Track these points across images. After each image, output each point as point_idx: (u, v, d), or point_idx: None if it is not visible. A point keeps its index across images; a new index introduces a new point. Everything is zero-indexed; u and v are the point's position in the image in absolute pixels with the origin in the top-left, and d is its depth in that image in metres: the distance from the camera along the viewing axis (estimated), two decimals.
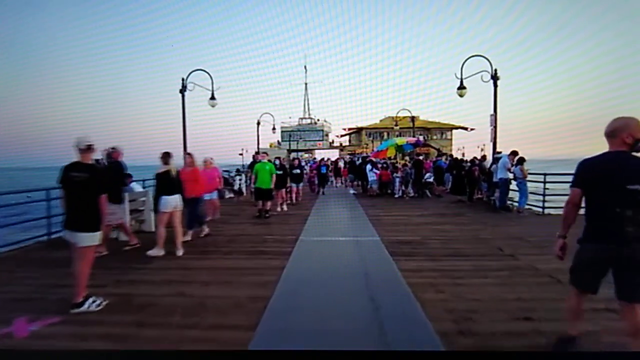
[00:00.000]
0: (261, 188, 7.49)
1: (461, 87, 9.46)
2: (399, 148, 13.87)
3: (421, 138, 22.18)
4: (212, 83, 10.38)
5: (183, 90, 9.96)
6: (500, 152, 9.12)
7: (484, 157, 10.28)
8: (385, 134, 36.96)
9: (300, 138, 45.86)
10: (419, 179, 11.44)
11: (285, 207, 8.46)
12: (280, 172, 8.24)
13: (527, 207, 8.07)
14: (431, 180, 11.65)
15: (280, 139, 46.34)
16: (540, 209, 7.84)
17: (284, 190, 8.62)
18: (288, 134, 46.26)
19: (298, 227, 6.53)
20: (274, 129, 19.75)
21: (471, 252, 4.68)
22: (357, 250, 4.85)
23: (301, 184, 9.91)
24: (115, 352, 2.31)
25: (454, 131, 43.37)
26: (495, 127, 8.88)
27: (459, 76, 9.50)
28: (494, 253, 4.64)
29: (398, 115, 21.67)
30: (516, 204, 8.40)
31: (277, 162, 8.51)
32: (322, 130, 46.88)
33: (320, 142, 46.35)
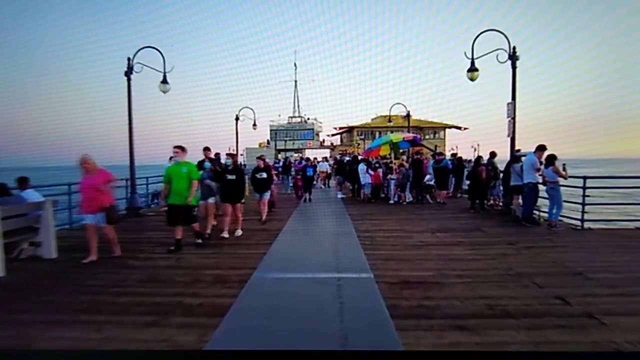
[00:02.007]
0: (173, 205, 4.83)
1: (472, 68, 7.71)
2: (394, 146, 11.98)
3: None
4: (164, 64, 8.37)
5: (129, 72, 7.97)
6: (519, 150, 7.42)
7: (493, 154, 8.57)
8: (377, 133, 35.36)
9: (288, 137, 44.11)
10: (419, 181, 9.72)
11: (239, 232, 5.76)
12: (233, 177, 5.66)
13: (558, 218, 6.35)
14: (432, 183, 9.94)
15: (269, 138, 44.47)
16: (579, 222, 6.10)
17: (238, 205, 5.83)
18: (277, 133, 44.45)
19: (259, 251, 4.74)
20: (254, 125, 17.74)
21: (517, 306, 2.90)
22: (338, 303, 3.02)
23: (267, 194, 6.77)
24: (116, 352, 2.26)
25: (447, 130, 42.11)
26: (514, 117, 7.17)
27: (469, 56, 7.74)
28: (555, 310, 2.85)
29: (391, 111, 19.91)
30: (543, 214, 6.70)
31: (229, 161, 5.78)
32: (313, 130, 45.15)
33: (311, 142, 44.59)
